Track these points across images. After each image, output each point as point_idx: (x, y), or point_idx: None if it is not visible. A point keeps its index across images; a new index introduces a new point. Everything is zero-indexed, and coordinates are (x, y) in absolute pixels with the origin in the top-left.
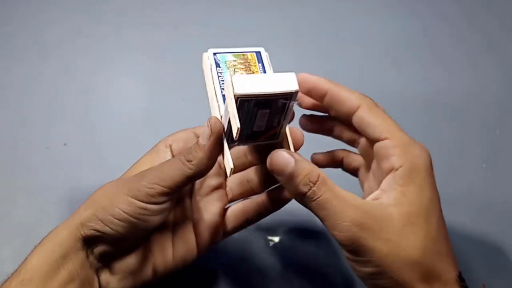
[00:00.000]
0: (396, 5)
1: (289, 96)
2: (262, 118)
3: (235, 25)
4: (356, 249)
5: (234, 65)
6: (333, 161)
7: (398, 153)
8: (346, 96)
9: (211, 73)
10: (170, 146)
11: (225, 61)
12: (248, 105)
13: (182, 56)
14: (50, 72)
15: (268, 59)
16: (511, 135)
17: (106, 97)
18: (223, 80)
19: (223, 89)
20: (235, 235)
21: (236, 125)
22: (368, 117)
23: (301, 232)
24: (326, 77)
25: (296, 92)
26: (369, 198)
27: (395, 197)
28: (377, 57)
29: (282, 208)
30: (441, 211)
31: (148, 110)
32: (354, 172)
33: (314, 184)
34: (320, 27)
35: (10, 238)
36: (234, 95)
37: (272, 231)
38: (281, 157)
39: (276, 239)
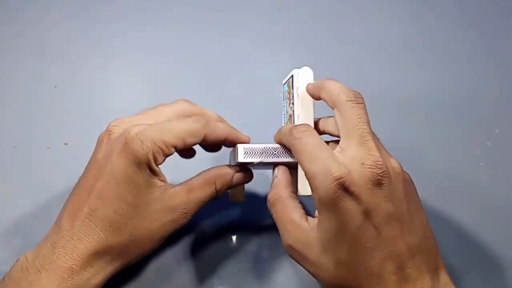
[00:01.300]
0: (396, 5)
1: (243, 164)
2: (262, 166)
3: (234, 25)
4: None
5: (286, 96)
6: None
7: (311, 188)
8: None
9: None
10: None
11: (285, 92)
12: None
13: (182, 57)
14: (50, 71)
15: (298, 79)
16: (511, 135)
17: (106, 97)
18: (284, 114)
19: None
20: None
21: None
22: (293, 151)
23: None
24: (325, 77)
25: (240, 163)
26: (316, 212)
27: (316, 222)
28: (377, 57)
29: None
30: (363, 234)
31: None
32: None
33: (268, 201)
34: (320, 27)
35: (10, 238)
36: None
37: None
38: (274, 171)
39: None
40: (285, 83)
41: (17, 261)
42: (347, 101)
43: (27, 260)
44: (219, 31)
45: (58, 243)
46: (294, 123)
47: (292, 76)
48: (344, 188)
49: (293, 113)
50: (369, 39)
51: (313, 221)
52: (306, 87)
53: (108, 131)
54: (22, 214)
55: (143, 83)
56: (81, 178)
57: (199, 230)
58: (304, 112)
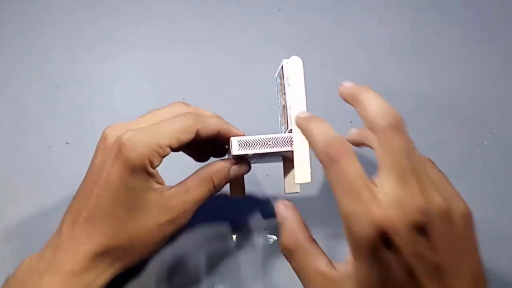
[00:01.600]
0: (396, 5)
1: (238, 156)
2: (259, 159)
3: (234, 26)
4: None
5: (280, 88)
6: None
7: (344, 227)
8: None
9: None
10: None
11: (278, 84)
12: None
13: (183, 56)
14: (51, 71)
15: (288, 69)
16: (509, 134)
17: (108, 96)
18: (279, 106)
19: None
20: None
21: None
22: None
23: None
24: (325, 78)
25: (235, 156)
26: (347, 256)
27: (350, 270)
28: (377, 57)
29: None
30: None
31: (149, 109)
32: None
33: (284, 248)
34: (320, 28)
35: (10, 238)
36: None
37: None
38: (280, 210)
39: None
40: (277, 76)
41: (22, 262)
42: (385, 127)
43: (32, 262)
44: (219, 31)
45: (59, 247)
46: (287, 113)
47: (282, 66)
48: (385, 237)
49: (286, 103)
50: (369, 39)
51: (343, 268)
52: (340, 91)
53: (103, 137)
54: (23, 213)
55: (143, 82)
56: (81, 183)
57: (199, 229)
58: (296, 101)
